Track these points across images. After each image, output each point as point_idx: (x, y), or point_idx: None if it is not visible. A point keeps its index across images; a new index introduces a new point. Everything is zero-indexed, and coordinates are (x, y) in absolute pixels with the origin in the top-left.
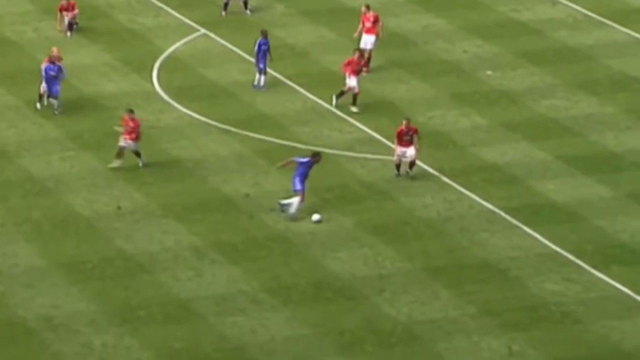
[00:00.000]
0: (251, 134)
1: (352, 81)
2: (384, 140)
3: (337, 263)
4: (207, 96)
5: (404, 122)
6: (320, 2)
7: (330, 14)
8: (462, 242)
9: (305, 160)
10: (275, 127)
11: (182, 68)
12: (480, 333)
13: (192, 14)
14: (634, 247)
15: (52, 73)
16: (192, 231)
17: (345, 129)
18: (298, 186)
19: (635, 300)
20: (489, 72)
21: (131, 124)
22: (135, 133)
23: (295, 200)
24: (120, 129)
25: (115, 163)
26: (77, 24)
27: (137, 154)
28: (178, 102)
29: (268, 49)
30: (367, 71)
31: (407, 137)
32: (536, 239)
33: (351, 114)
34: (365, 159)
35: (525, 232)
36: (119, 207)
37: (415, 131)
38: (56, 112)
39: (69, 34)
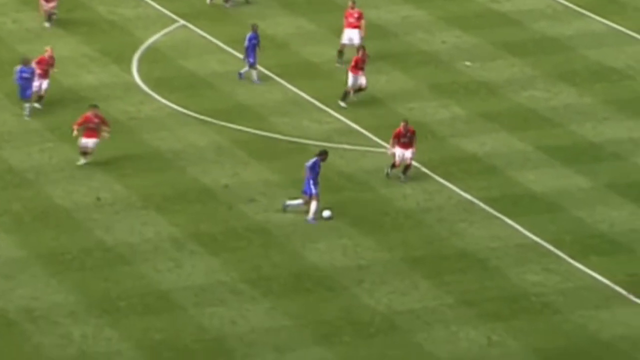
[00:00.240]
0: (230, 125)
1: (361, 79)
2: (363, 130)
3: (316, 254)
4: (186, 87)
5: (402, 123)
6: None
7: (309, 5)
8: (441, 232)
9: (311, 163)
10: (254, 118)
11: (161, 59)
12: (458, 323)
13: (171, 5)
14: (613, 237)
15: (25, 75)
16: (171, 222)
17: (324, 119)
18: (313, 190)
19: (613, 289)
20: (468, 63)
21: (95, 120)
22: (98, 129)
23: (312, 207)
24: (75, 134)
25: (82, 160)
26: (55, 14)
27: (84, 153)
28: (158, 93)
29: (258, 43)
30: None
31: (405, 139)
32: (515, 229)
33: (330, 105)
34: (344, 149)
35: (505, 223)
36: (98, 199)
37: (414, 132)
38: (27, 117)
39: (47, 25)
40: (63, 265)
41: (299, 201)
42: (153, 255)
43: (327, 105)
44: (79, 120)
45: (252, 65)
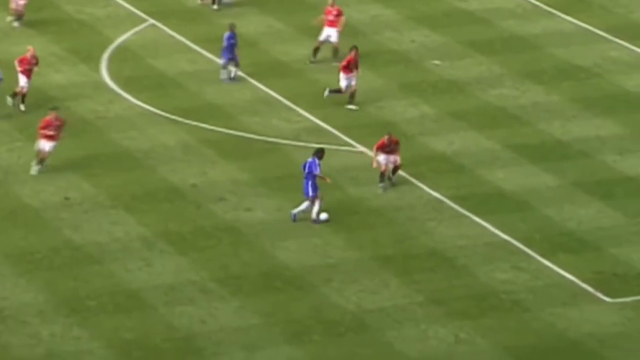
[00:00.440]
0: (200, 124)
1: (352, 80)
2: (332, 130)
3: (286, 253)
4: (156, 86)
5: (386, 136)
6: None
7: (279, 4)
8: (411, 231)
9: (307, 164)
10: (224, 117)
11: (131, 58)
12: (428, 321)
13: (140, 4)
14: (580, 235)
15: None
16: (140, 221)
17: (293, 118)
18: (310, 192)
19: (580, 287)
20: (436, 62)
21: (56, 123)
22: (58, 133)
23: (315, 207)
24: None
25: (35, 168)
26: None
27: (42, 160)
28: (127, 93)
29: (236, 43)
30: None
31: (388, 149)
32: (484, 227)
33: (300, 104)
34: (313, 148)
35: (474, 221)
36: (67, 198)
37: (397, 142)
38: None
39: (16, 24)
40: (32, 264)
41: (305, 205)
42: (122, 255)
43: (296, 104)
44: (41, 124)
45: (224, 65)
